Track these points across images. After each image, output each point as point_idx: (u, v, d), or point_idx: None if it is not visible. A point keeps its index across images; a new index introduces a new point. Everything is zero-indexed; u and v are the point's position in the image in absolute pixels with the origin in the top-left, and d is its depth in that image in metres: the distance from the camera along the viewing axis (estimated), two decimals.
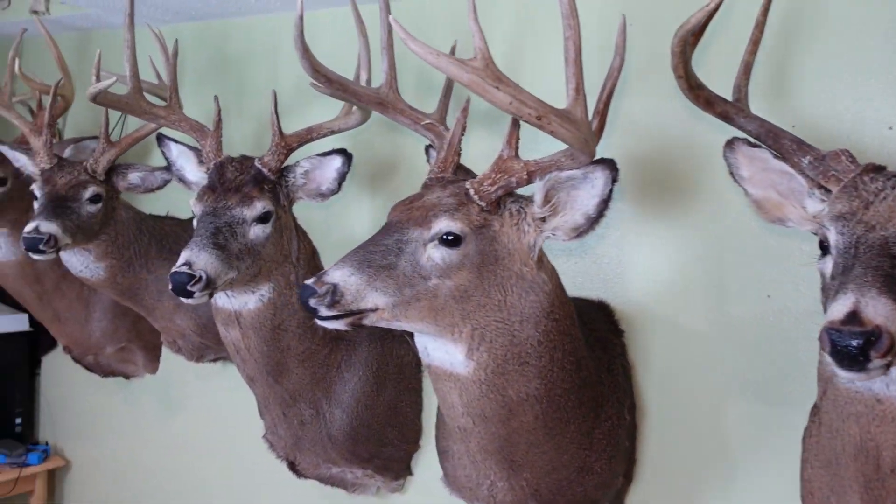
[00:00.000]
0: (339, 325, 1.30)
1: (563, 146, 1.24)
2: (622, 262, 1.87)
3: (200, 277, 1.65)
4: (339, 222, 2.37)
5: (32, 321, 3.45)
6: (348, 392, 2.07)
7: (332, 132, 1.90)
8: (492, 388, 1.40)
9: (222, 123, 1.90)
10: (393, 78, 1.61)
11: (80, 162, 2.20)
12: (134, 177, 2.25)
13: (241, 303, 1.86)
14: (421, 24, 1.97)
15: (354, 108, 1.86)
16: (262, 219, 1.79)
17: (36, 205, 2.14)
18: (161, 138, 2.00)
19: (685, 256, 1.78)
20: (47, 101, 2.65)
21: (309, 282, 1.28)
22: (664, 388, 1.81)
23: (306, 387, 2.01)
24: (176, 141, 1.99)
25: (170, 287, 1.65)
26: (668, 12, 1.75)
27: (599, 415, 1.62)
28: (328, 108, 2.40)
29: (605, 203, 1.28)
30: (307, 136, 1.89)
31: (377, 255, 1.30)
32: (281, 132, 1.85)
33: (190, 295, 1.65)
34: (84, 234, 2.14)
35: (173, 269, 1.64)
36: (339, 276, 1.27)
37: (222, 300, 1.86)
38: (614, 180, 1.26)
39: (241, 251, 1.75)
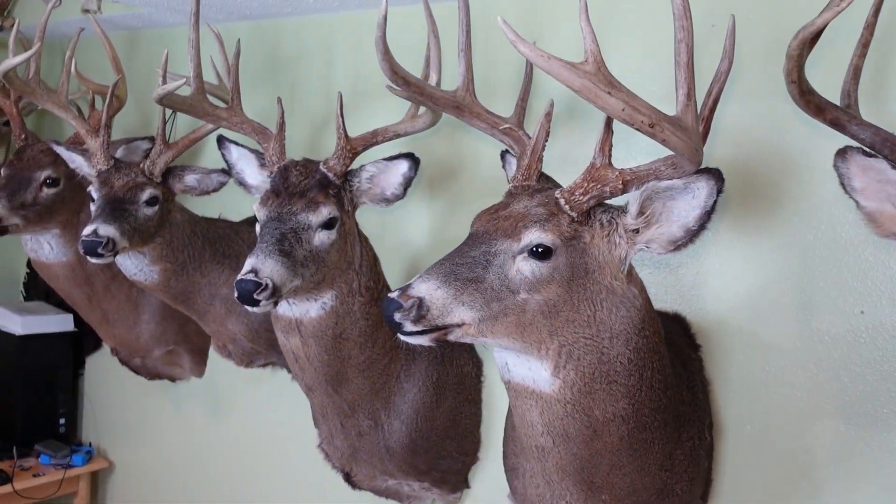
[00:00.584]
0: (423, 340, 1.24)
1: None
2: (700, 273, 1.79)
3: (267, 285, 1.60)
4: (396, 227, 2.32)
5: (77, 321, 3.45)
6: (408, 403, 2.01)
7: (398, 135, 1.84)
8: (577, 408, 1.33)
9: (285, 126, 1.84)
10: (470, 80, 1.55)
11: (137, 163, 2.16)
12: (190, 179, 2.20)
13: (302, 310, 1.80)
14: (483, 22, 1.89)
15: (422, 110, 1.80)
16: (328, 225, 1.74)
17: (93, 207, 2.11)
18: (221, 140, 1.96)
19: (769, 267, 1.70)
20: (100, 101, 2.65)
21: (393, 295, 1.22)
22: (744, 406, 1.73)
23: (365, 397, 1.96)
24: (237, 143, 1.94)
25: (235, 295, 1.61)
26: (756, 13, 1.68)
27: (681, 434, 1.54)
28: (382, 110, 2.36)
29: (707, 215, 1.21)
30: (372, 139, 1.83)
31: (463, 267, 1.24)
32: (346, 135, 1.79)
33: (256, 303, 1.60)
34: (140, 237, 2.11)
35: (239, 277, 1.60)
36: (424, 289, 1.21)
37: (283, 308, 1.81)
38: (719, 191, 1.18)
39: (306, 258, 1.70)
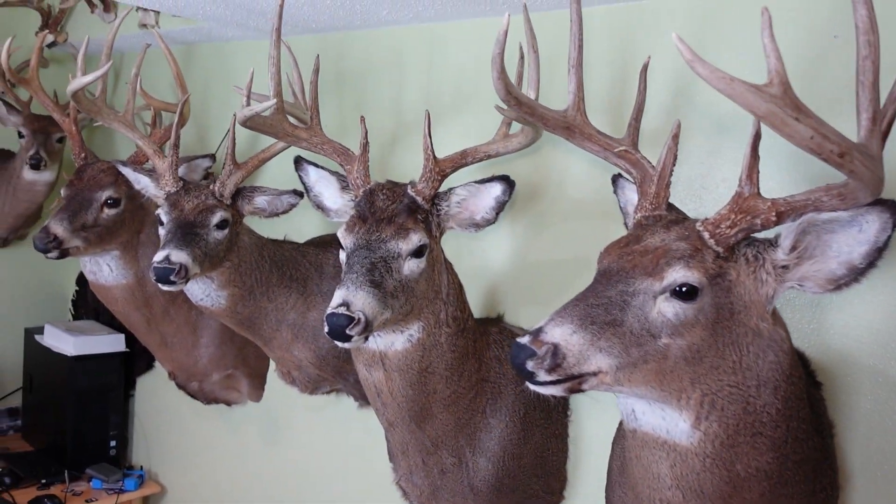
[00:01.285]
0: (556, 390, 1.12)
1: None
2: (820, 305, 1.65)
3: (359, 319, 1.49)
4: (473, 250, 2.20)
5: (129, 341, 3.38)
6: (494, 439, 1.89)
7: (489, 156, 1.73)
8: (717, 463, 1.20)
9: (369, 146, 1.74)
10: (580, 100, 1.43)
11: (207, 185, 2.07)
12: (260, 201, 2.11)
13: (387, 343, 1.69)
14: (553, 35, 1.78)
15: (514, 129, 1.69)
16: (418, 252, 1.63)
17: (161, 231, 2.02)
18: (299, 162, 1.85)
19: None
20: (157, 117, 2.57)
21: (524, 340, 1.10)
22: (873, 451, 1.58)
23: (450, 433, 1.85)
24: (315, 165, 1.84)
25: (325, 330, 1.50)
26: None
27: (815, 486, 1.41)
28: (457, 127, 2.26)
29: (878, 251, 1.07)
30: (461, 160, 1.72)
31: (599, 309, 1.12)
32: (434, 157, 1.68)
33: (348, 339, 1.49)
34: (210, 262, 2.01)
35: (330, 311, 1.49)
36: (559, 334, 1.09)
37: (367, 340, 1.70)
38: (895, 225, 1.05)
39: (396, 288, 1.59)
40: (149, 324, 2.62)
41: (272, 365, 2.84)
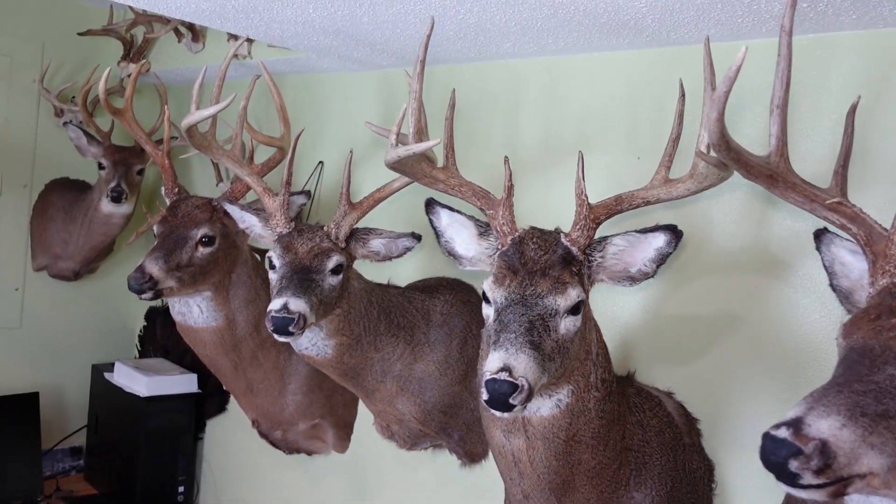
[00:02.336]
0: (820, 495, 0.93)
1: None
2: None
3: (523, 386, 1.32)
4: (601, 301, 2.02)
5: (201, 381, 3.24)
6: None
7: (648, 202, 1.56)
8: None
9: (513, 190, 1.58)
10: (784, 145, 1.25)
11: (320, 226, 1.92)
12: (376, 244, 1.96)
13: (532, 408, 1.52)
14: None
15: (686, 175, 1.52)
16: (575, 309, 1.46)
17: (273, 276, 1.87)
18: (432, 205, 1.70)
19: None
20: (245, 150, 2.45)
21: (782, 434, 0.91)
22: None
23: None
24: (449, 208, 1.68)
25: (485, 398, 1.33)
26: None
27: None
28: (569, 167, 2.10)
29: None
30: (616, 206, 1.55)
31: (868, 397, 0.93)
32: (588, 203, 1.52)
33: (510, 408, 1.32)
34: (324, 310, 1.86)
35: (490, 376, 1.32)
36: (827, 427, 0.91)
37: None
38: None
39: (553, 350, 1.42)
40: (236, 369, 2.47)
41: (362, 413, 2.68)
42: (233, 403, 3.27)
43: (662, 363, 1.94)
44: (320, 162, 2.85)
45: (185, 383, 3.21)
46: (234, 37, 2.84)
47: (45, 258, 3.44)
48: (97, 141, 3.18)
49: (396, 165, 1.48)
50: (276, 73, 2.95)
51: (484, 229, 1.65)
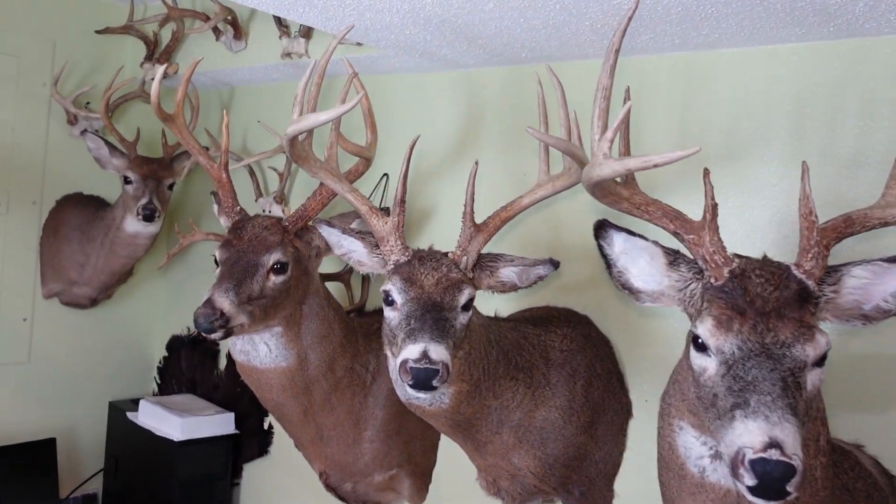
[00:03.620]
0: None
1: None
2: None
3: (797, 467, 1.02)
4: None
5: (238, 420, 2.89)
6: None
7: (886, 224, 1.27)
8: None
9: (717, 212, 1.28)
10: None
11: (442, 253, 1.60)
12: (507, 273, 1.64)
13: None
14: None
15: None
16: (823, 360, 1.17)
17: (395, 314, 1.54)
18: (604, 228, 1.38)
19: None
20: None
21: None
22: None
23: None
24: (629, 232, 1.37)
25: (749, 483, 1.02)
26: None
27: None
28: (724, 178, 1.81)
29: None
30: (846, 229, 1.27)
31: None
32: (817, 225, 1.23)
33: (786, 495, 1.02)
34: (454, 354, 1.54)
35: (758, 455, 1.02)
36: None
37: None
38: None
39: (804, 414, 1.13)
40: (305, 414, 2.13)
41: (441, 460, 2.36)
42: (275, 446, 2.92)
43: (848, 410, 1.66)
44: (385, 174, 2.53)
45: (222, 424, 2.85)
46: (286, 32, 2.51)
47: (57, 284, 3.04)
48: (120, 152, 2.81)
49: (595, 184, 1.17)
50: (334, 75, 2.63)
51: (674, 258, 1.34)
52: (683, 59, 1.89)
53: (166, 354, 3.38)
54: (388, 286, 1.56)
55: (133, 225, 2.78)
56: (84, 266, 2.95)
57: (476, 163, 1.63)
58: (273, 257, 1.94)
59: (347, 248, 1.73)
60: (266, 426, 2.94)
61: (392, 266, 1.58)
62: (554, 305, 2.12)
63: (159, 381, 3.40)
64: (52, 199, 3.06)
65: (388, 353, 1.60)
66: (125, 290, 3.25)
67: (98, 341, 3.26)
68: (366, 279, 2.57)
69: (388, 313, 1.56)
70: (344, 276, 2.57)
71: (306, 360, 2.07)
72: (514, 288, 1.68)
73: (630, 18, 1.21)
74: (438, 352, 1.41)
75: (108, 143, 2.80)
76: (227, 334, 1.86)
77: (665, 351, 1.89)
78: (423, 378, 1.39)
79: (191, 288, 3.30)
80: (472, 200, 1.62)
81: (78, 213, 3.00)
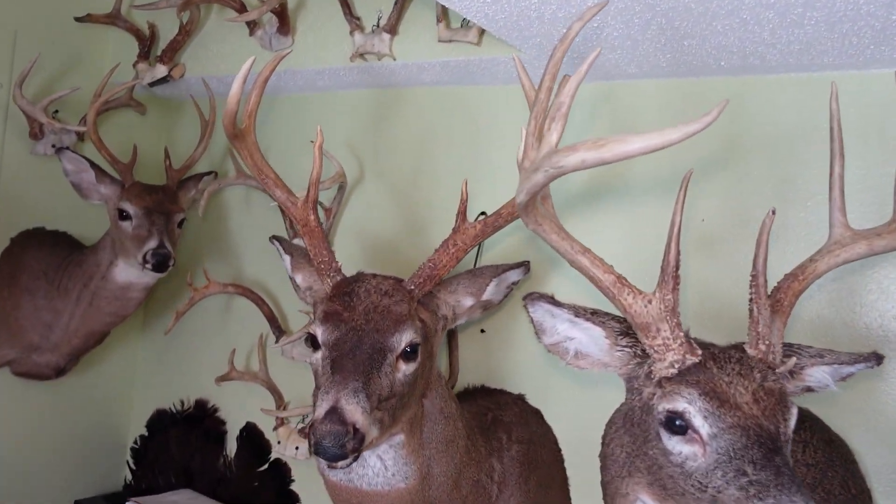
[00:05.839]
0: None
1: None
2: None
3: None
4: None
5: None
6: None
7: None
8: None
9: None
10: None
11: (738, 348, 1.06)
12: (816, 373, 1.11)
13: None
14: None
15: None
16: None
17: (706, 461, 0.98)
18: None
19: None
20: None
21: None
22: None
23: None
24: None
25: None
26: None
27: None
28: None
29: None
30: None
31: None
32: None
33: None
34: None
35: None
36: None
37: None
38: None
39: None
40: None
41: None
42: None
43: None
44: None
45: None
46: (358, 26, 1.92)
47: (10, 349, 2.27)
48: (110, 177, 2.13)
49: None
50: (413, 85, 2.05)
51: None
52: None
53: (145, 434, 2.65)
54: (685, 406, 0.99)
55: (125, 273, 2.09)
56: (52, 326, 2.21)
57: (772, 211, 1.10)
58: (405, 337, 1.36)
59: (564, 336, 1.16)
60: None
61: (675, 373, 1.02)
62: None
63: (134, 466, 2.66)
64: (6, 236, 2.30)
65: None
66: (90, 356, 2.49)
67: (61, 422, 2.49)
68: (454, 341, 1.99)
69: (684, 450, 0.99)
70: None
71: (429, 476, 1.49)
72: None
73: None
74: None
75: (94, 166, 2.11)
76: (356, 459, 1.25)
77: None
78: None
79: (177, 348, 2.60)
80: (765, 268, 1.09)
81: (43, 255, 2.26)
